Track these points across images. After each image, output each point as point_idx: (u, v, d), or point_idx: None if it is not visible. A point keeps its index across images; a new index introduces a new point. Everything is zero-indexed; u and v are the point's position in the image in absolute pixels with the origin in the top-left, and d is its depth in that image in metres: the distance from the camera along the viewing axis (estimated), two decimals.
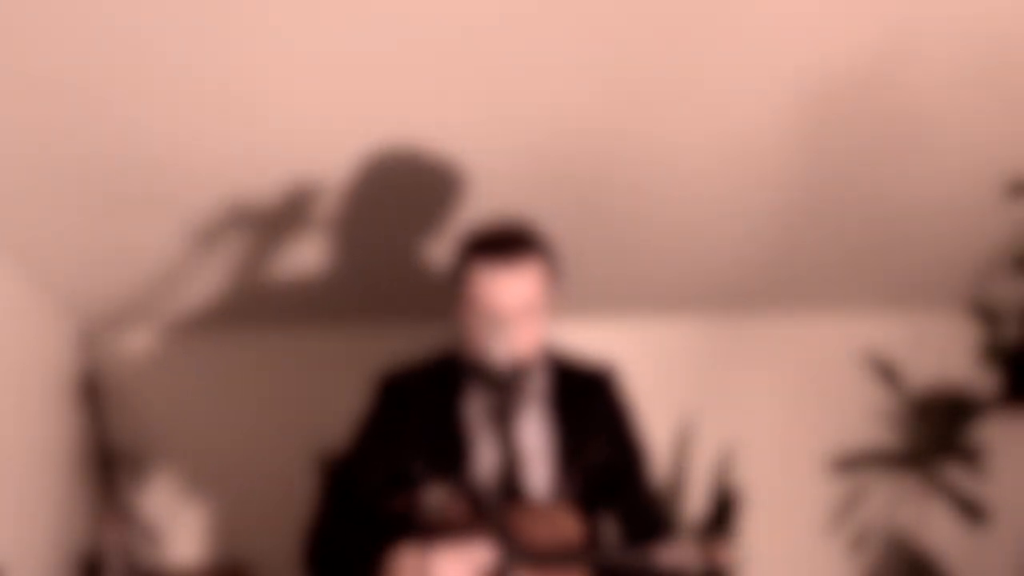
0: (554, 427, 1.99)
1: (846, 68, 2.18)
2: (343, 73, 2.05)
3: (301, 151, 2.25)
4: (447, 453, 1.94)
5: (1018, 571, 3.09)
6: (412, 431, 1.96)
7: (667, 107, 2.23)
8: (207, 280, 2.63)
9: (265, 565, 2.85)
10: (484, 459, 1.94)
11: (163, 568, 2.84)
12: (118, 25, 1.86)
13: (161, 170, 2.25)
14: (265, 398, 2.91)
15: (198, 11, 1.86)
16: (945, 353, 3.11)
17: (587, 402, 2.04)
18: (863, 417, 3.09)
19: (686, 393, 3.05)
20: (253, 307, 2.77)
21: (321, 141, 2.23)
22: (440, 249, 2.58)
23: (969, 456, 3.02)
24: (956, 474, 3.07)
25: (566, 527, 1.86)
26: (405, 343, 2.66)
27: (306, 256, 2.59)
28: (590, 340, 2.74)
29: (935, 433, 3.05)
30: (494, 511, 1.78)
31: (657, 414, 2.85)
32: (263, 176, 2.31)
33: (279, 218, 2.44)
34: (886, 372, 3.05)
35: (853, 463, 3.07)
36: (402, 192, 2.41)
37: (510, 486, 1.92)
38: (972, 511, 2.98)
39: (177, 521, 2.89)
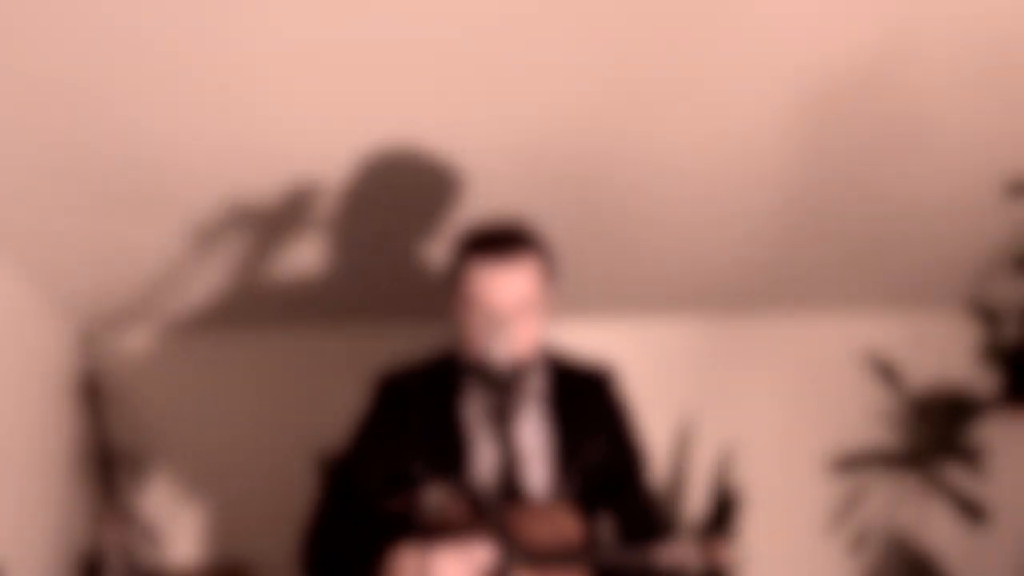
0: (553, 427, 1.99)
1: (846, 68, 2.18)
2: (343, 73, 2.05)
3: (301, 151, 2.25)
4: (446, 453, 1.94)
5: (1018, 571, 3.09)
6: (411, 431, 1.96)
7: (667, 107, 2.23)
8: (207, 280, 2.63)
9: (265, 565, 2.85)
10: (483, 459, 1.94)
11: (163, 568, 2.84)
12: (118, 25, 1.86)
13: (161, 170, 2.25)
14: (265, 398, 2.91)
15: (198, 11, 1.86)
16: (945, 353, 3.11)
17: (586, 402, 2.04)
18: (863, 417, 3.09)
19: (686, 393, 3.05)
20: (253, 307, 2.77)
21: (321, 141, 2.23)
22: (440, 249, 2.58)
23: (969, 456, 3.02)
24: (956, 474, 3.07)
25: (565, 526, 1.86)
26: (404, 343, 2.66)
27: (306, 256, 2.59)
28: (590, 340, 2.74)
29: (935, 433, 3.05)
30: (493, 511, 1.78)
31: (657, 414, 2.86)
32: (263, 176, 2.31)
33: (279, 218, 2.44)
34: (886, 372, 3.05)
35: (853, 463, 3.07)
36: (402, 192, 2.41)
37: (509, 486, 1.92)
38: (972, 511, 2.98)
39: (177, 521, 2.89)
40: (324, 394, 2.85)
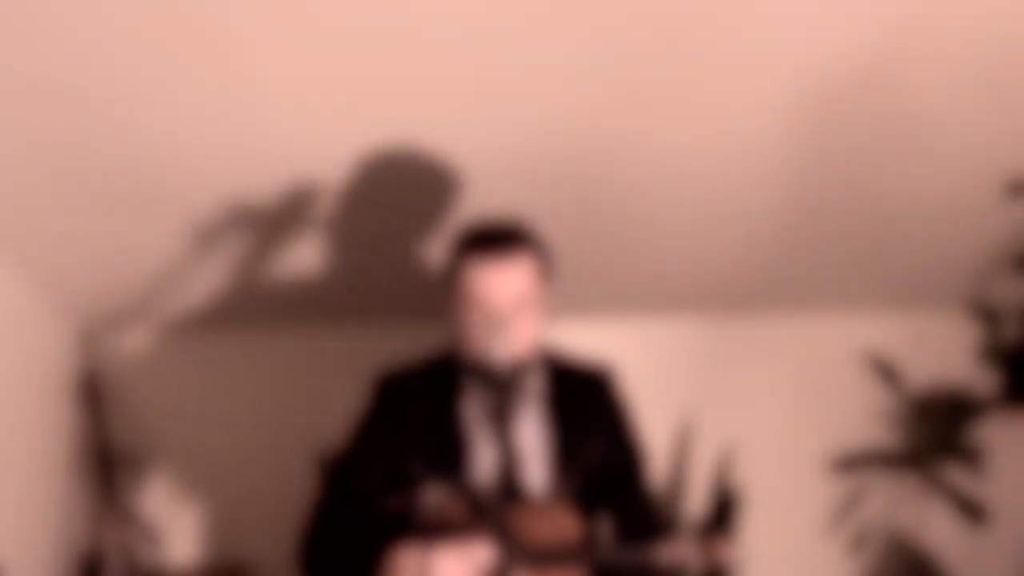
0: (552, 427, 1.99)
1: (846, 68, 2.18)
2: (343, 73, 2.05)
3: (301, 151, 2.25)
4: (445, 453, 1.94)
5: (1018, 571, 3.09)
6: (410, 431, 1.96)
7: (667, 107, 2.23)
8: (207, 280, 2.64)
9: (264, 565, 2.85)
10: (482, 459, 1.94)
11: (162, 568, 2.84)
12: (118, 25, 1.86)
13: (161, 170, 2.25)
14: (264, 398, 2.91)
15: (198, 11, 1.86)
16: (945, 353, 3.11)
17: (585, 402, 2.04)
18: (863, 417, 3.09)
19: (686, 393, 3.05)
20: (253, 307, 2.77)
21: (321, 141, 2.23)
22: (439, 249, 2.58)
23: (969, 456, 3.02)
24: (956, 474, 3.07)
25: (565, 525, 1.86)
26: (404, 343, 2.66)
27: (306, 256, 2.59)
28: (590, 340, 2.74)
29: (935, 433, 3.05)
30: (493, 510, 1.78)
31: (657, 414, 2.86)
32: (263, 176, 2.31)
33: (279, 218, 2.44)
34: (886, 372, 3.05)
35: (853, 463, 3.07)
36: (401, 192, 2.41)
37: (508, 486, 1.92)
38: (972, 511, 2.98)
39: (176, 521, 2.89)
40: (324, 394, 2.85)
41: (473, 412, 1.97)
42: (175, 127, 2.13)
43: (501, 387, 1.86)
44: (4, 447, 2.39)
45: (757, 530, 3.01)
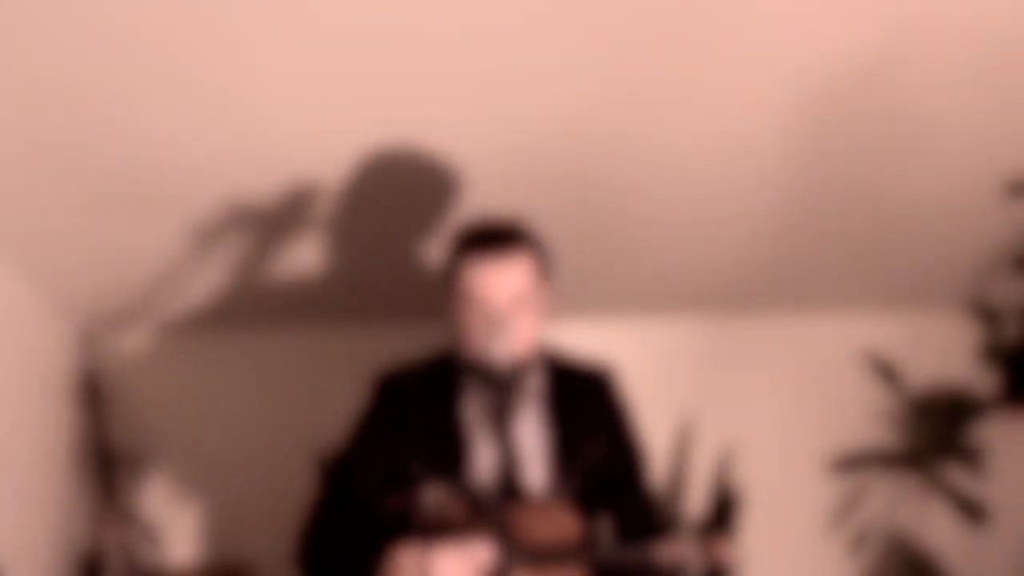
0: (552, 427, 1.99)
1: (846, 68, 2.18)
2: (343, 73, 2.05)
3: (301, 151, 2.25)
4: (445, 453, 1.94)
5: (1018, 571, 3.09)
6: (410, 431, 1.96)
7: (667, 107, 2.23)
8: (207, 280, 2.63)
9: (264, 565, 2.85)
10: (482, 459, 1.94)
11: (162, 568, 2.84)
12: (118, 25, 1.86)
13: (161, 170, 2.25)
14: (264, 398, 2.91)
15: (198, 11, 1.86)
16: (945, 353, 3.11)
17: (585, 402, 2.04)
18: (863, 417, 3.09)
19: (686, 393, 3.05)
20: (253, 307, 2.77)
21: (321, 141, 2.23)
22: (439, 249, 2.58)
23: (969, 456, 3.02)
24: (956, 474, 3.07)
25: (564, 524, 1.86)
26: (404, 343, 2.66)
27: (306, 256, 2.59)
28: (590, 340, 2.74)
29: (935, 433, 3.05)
30: (493, 509, 1.78)
31: (657, 414, 2.86)
32: (263, 176, 2.31)
33: (279, 218, 2.44)
34: (886, 372, 3.05)
35: (853, 463, 3.07)
36: (401, 192, 2.41)
37: (508, 486, 1.92)
38: (972, 511, 2.98)
39: (176, 521, 2.89)
40: (324, 394, 2.85)
41: (473, 412, 1.97)
42: (175, 127, 2.13)
43: (501, 387, 1.86)
44: (4, 447, 2.39)
45: (757, 530, 3.01)
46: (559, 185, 2.44)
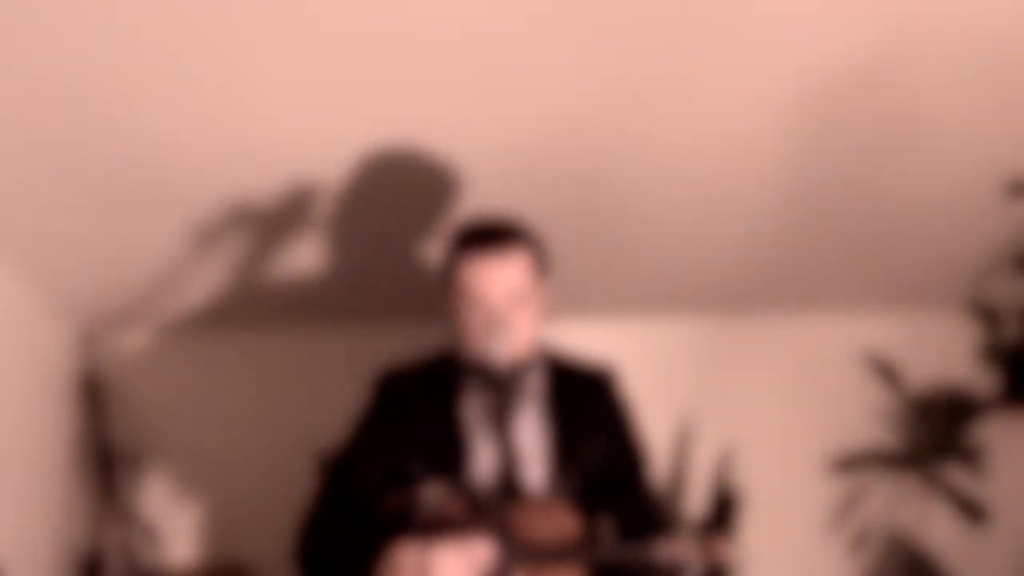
0: (551, 427, 1.99)
1: (846, 68, 2.18)
2: (343, 73, 2.05)
3: (301, 151, 2.25)
4: (445, 453, 1.94)
5: (1018, 571, 3.09)
6: (410, 430, 1.96)
7: (667, 107, 2.23)
8: (207, 280, 2.63)
9: (264, 565, 2.85)
10: (482, 459, 1.94)
11: (162, 568, 2.84)
12: (118, 25, 1.86)
13: (161, 170, 2.25)
14: (264, 398, 2.91)
15: (198, 11, 1.86)
16: (945, 353, 3.11)
17: (585, 402, 2.04)
18: (863, 417, 3.09)
19: (686, 393, 3.05)
20: (253, 307, 2.77)
21: (321, 141, 2.23)
22: (439, 249, 2.58)
23: (969, 456, 3.02)
24: (956, 474, 3.07)
25: (563, 523, 1.86)
26: (404, 343, 2.66)
27: (306, 256, 2.59)
28: (590, 340, 2.74)
29: (935, 433, 3.05)
30: (492, 507, 1.78)
31: (657, 414, 2.86)
32: (263, 176, 2.31)
33: (279, 218, 2.44)
34: (886, 372, 3.05)
35: (853, 463, 3.07)
36: (401, 192, 2.41)
37: (508, 486, 1.92)
38: (972, 511, 2.98)
39: (176, 521, 2.89)
40: (324, 394, 2.85)
41: (473, 412, 1.97)
42: (175, 127, 2.13)
43: (501, 387, 1.86)
44: (4, 447, 2.39)
45: (757, 530, 3.01)
46: (559, 185, 2.44)
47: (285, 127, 2.17)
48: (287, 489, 2.77)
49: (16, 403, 2.46)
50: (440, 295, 2.05)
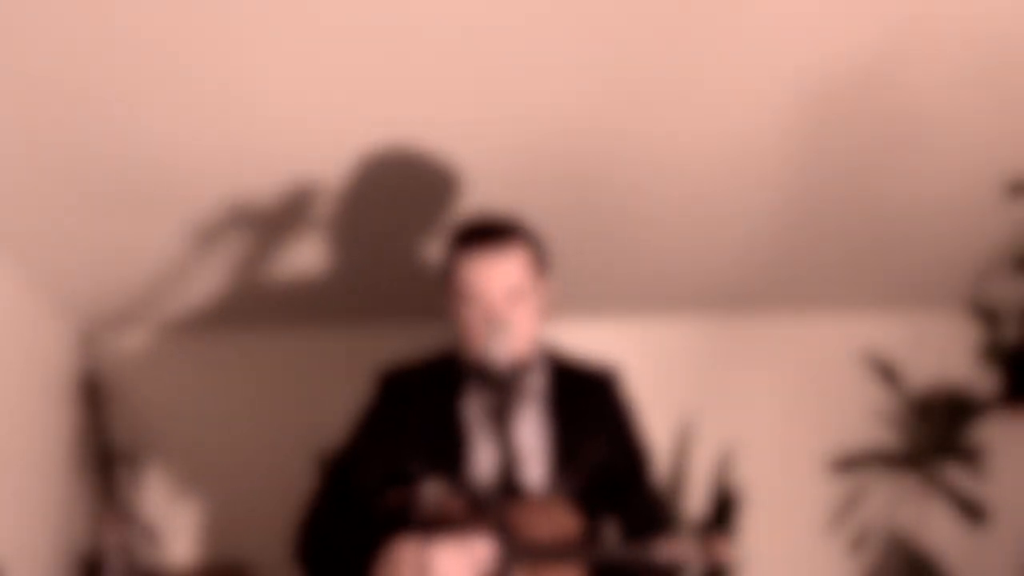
0: (552, 427, 1.99)
1: (846, 68, 2.18)
2: (343, 73, 2.05)
3: (301, 151, 2.25)
4: (445, 452, 1.94)
5: (1018, 571, 3.09)
6: (410, 430, 1.96)
7: (667, 107, 2.23)
8: (207, 280, 2.63)
9: (263, 565, 2.85)
10: (482, 458, 1.94)
11: (162, 567, 2.84)
12: (118, 25, 1.86)
13: (161, 170, 2.25)
14: (264, 398, 2.91)
15: (198, 11, 1.86)
16: (945, 353, 3.11)
17: (587, 402, 2.04)
18: (863, 417, 3.09)
19: (686, 393, 3.05)
20: (253, 307, 2.77)
21: (321, 141, 2.23)
22: (439, 249, 2.58)
23: (969, 456, 3.02)
24: (956, 474, 3.07)
25: (563, 522, 1.86)
26: (405, 343, 2.66)
27: (306, 256, 2.59)
28: (590, 340, 2.74)
29: (935, 433, 3.04)
30: (492, 506, 1.78)
31: (657, 414, 2.85)
32: (263, 176, 2.31)
33: (279, 218, 2.44)
34: (886, 372, 3.05)
35: (853, 463, 3.07)
36: (401, 192, 2.41)
37: (508, 485, 1.92)
38: (972, 511, 2.98)
39: (176, 520, 2.89)
40: (324, 394, 2.85)
41: (473, 412, 1.97)
42: (175, 127, 2.13)
43: (501, 387, 1.86)
44: (4, 447, 2.39)
45: (757, 530, 3.01)
46: (559, 185, 2.44)
47: (285, 127, 2.17)
48: (287, 489, 2.77)
49: (16, 403, 2.46)
50: (440, 295, 2.05)
